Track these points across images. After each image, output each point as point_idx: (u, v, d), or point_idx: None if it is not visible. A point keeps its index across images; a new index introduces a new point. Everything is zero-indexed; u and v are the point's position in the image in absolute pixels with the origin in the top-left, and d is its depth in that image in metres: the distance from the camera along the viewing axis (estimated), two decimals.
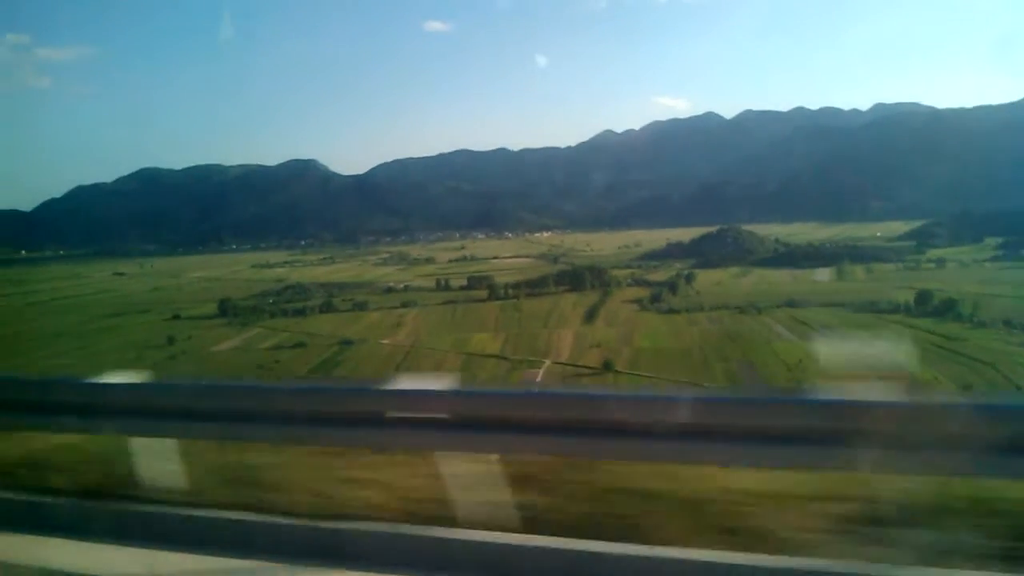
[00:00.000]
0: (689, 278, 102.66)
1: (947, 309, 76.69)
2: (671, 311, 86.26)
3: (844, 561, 3.63)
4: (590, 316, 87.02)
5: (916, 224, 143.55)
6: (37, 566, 4.45)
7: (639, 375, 60.76)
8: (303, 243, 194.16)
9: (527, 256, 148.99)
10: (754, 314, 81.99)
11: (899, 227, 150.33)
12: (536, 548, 4.06)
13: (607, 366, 63.13)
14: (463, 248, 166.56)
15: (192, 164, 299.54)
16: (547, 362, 67.34)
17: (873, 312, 79.40)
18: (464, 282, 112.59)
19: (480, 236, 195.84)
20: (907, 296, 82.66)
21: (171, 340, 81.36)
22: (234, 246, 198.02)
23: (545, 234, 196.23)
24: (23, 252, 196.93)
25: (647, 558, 3.84)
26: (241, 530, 4.65)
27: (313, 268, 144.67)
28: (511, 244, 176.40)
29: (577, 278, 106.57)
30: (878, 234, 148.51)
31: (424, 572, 4.08)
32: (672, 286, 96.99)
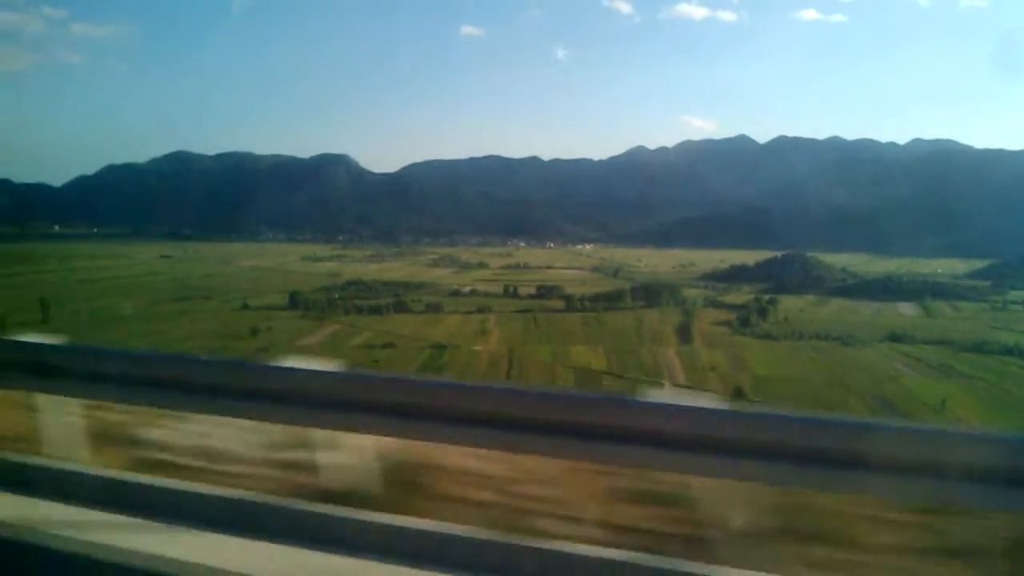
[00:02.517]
0: (772, 303, 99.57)
1: None
2: (768, 336, 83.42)
3: None
4: (684, 336, 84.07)
5: (979, 263, 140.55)
6: None
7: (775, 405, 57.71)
8: (341, 238, 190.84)
9: (581, 268, 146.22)
10: (858, 347, 79.08)
11: (957, 265, 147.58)
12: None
13: (738, 393, 60.15)
14: (510, 255, 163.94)
15: (225, 151, 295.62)
16: (666, 384, 64.33)
17: (984, 353, 76.35)
18: (533, 291, 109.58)
19: (521, 244, 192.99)
20: (1016, 339, 79.60)
21: (255, 331, 78.39)
22: (270, 235, 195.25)
23: (588, 246, 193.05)
24: (56, 227, 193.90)
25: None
26: None
27: (364, 264, 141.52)
28: (557, 254, 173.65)
29: (654, 295, 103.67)
30: (939, 271, 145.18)
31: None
32: (762, 311, 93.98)
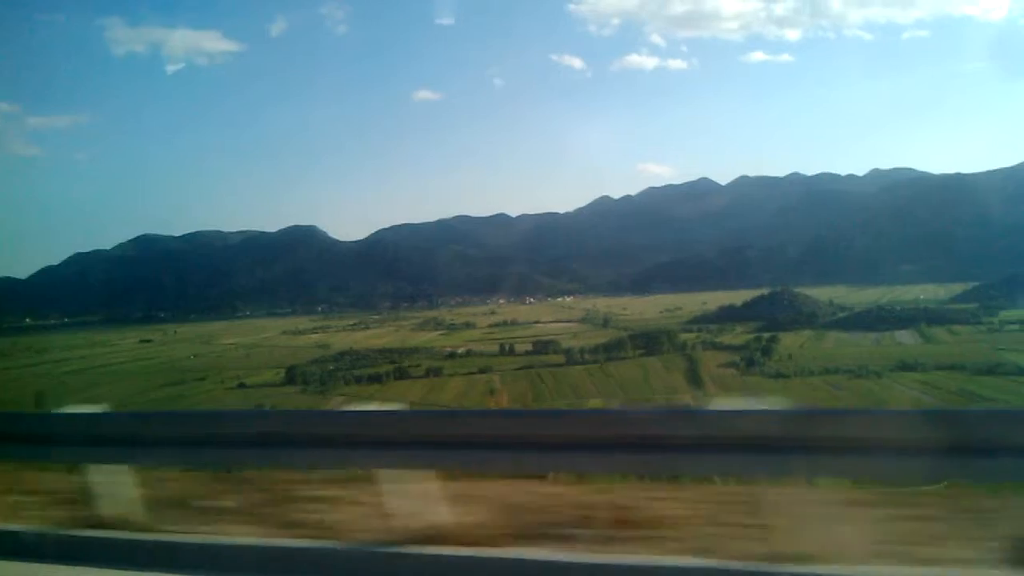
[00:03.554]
0: (773, 341, 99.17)
1: None
2: (779, 375, 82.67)
3: None
4: (695, 381, 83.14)
5: (957, 287, 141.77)
6: None
7: None
8: (320, 309, 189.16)
9: (569, 320, 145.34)
10: (873, 378, 78.63)
11: (936, 290, 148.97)
12: None
13: None
14: (494, 313, 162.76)
15: (191, 230, 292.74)
16: None
17: (999, 375, 76.11)
18: (529, 347, 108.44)
19: (501, 301, 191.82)
20: None
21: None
22: (248, 312, 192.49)
23: (568, 299, 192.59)
24: (27, 320, 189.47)
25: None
26: None
27: (350, 334, 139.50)
28: (540, 308, 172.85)
29: (652, 342, 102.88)
30: (921, 296, 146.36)
31: None
32: (765, 349, 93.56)
